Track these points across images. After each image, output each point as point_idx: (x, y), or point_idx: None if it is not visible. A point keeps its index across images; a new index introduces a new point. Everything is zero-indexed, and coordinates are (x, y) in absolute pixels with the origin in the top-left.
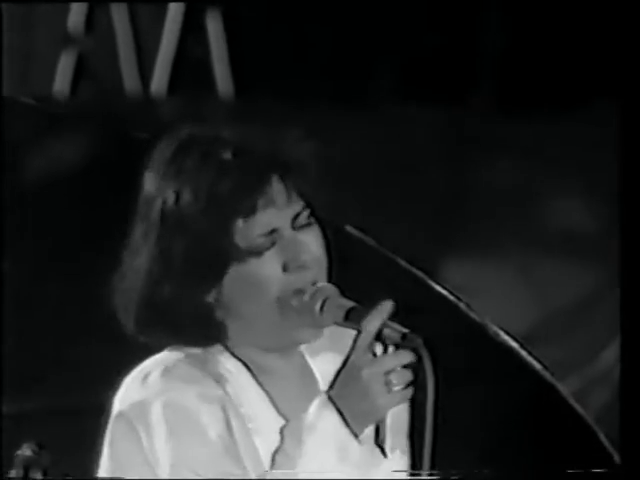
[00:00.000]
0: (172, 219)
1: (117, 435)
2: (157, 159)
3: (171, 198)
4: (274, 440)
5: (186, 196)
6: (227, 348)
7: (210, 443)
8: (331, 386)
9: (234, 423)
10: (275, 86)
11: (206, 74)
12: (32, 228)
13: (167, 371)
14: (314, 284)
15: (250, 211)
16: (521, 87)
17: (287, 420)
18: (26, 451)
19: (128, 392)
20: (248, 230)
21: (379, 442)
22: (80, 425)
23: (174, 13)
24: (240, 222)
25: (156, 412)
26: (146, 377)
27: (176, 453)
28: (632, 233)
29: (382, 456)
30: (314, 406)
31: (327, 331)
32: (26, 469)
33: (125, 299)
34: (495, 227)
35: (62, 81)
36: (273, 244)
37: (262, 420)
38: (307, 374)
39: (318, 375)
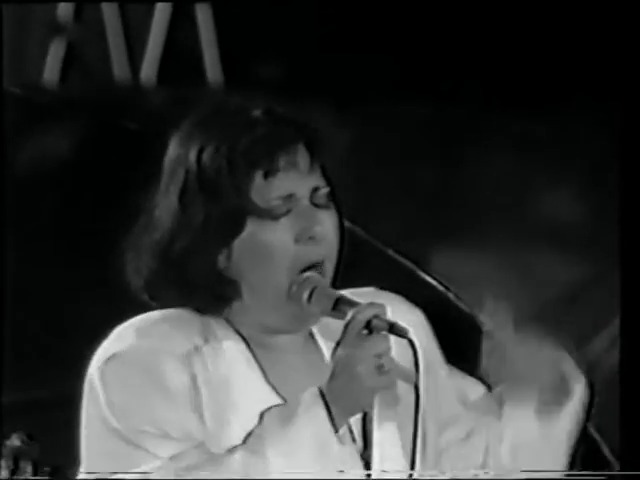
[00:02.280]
0: (193, 175)
1: (87, 395)
2: (184, 127)
3: (194, 154)
4: (252, 404)
5: (209, 150)
6: (228, 321)
7: (169, 396)
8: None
9: (203, 380)
10: (265, 76)
11: (196, 63)
12: (22, 219)
13: (139, 328)
14: (322, 262)
15: (271, 167)
16: (515, 81)
17: (276, 391)
18: (15, 441)
19: (101, 349)
20: (266, 190)
21: (365, 456)
22: (69, 416)
23: (163, 2)
24: (260, 179)
25: (120, 368)
26: (119, 334)
27: (135, 407)
28: (626, 226)
29: (360, 462)
30: (305, 396)
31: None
32: (16, 459)
33: (137, 258)
34: (486, 219)
35: (52, 70)
36: (289, 211)
37: (245, 385)
38: (313, 353)
39: (326, 355)
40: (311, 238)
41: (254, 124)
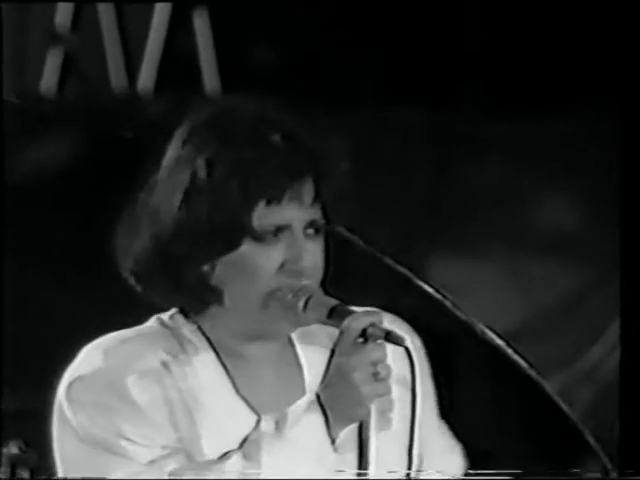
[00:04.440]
0: (202, 182)
1: (55, 415)
2: (197, 123)
3: (204, 166)
4: (223, 418)
5: (224, 165)
6: (199, 328)
7: (138, 410)
8: (321, 383)
9: (173, 395)
10: (262, 84)
11: (193, 71)
12: (19, 226)
13: (106, 349)
14: (301, 290)
15: (277, 199)
16: (514, 86)
17: (247, 403)
18: (12, 449)
19: (71, 368)
20: (266, 215)
21: (362, 465)
22: None
23: (161, 10)
24: (262, 205)
25: (88, 388)
26: (88, 353)
27: (106, 425)
28: (626, 232)
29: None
30: (301, 404)
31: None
32: (13, 467)
33: (131, 241)
34: (482, 226)
35: (49, 79)
36: (281, 234)
37: (215, 398)
38: (288, 362)
39: (305, 364)
40: (296, 272)
41: (272, 153)
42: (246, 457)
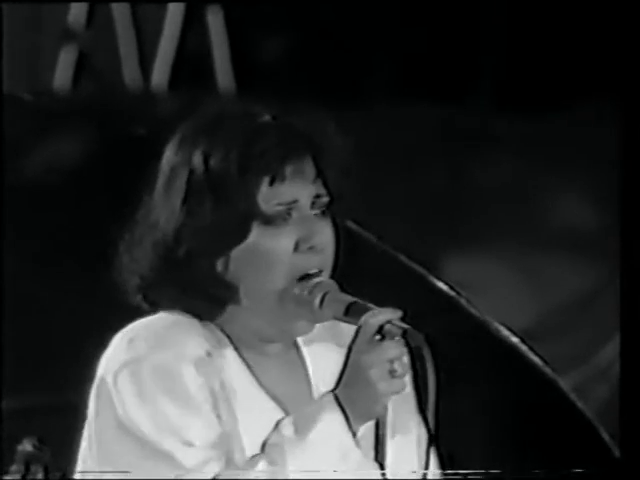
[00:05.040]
0: (200, 178)
1: (99, 400)
2: (186, 130)
3: (199, 160)
4: (257, 414)
5: (218, 154)
6: (217, 325)
7: (190, 403)
8: (338, 381)
9: (215, 386)
10: (276, 82)
11: (207, 69)
12: (32, 224)
13: (151, 334)
14: (320, 272)
15: (279, 175)
16: (520, 84)
17: (272, 397)
18: (27, 446)
19: (112, 354)
20: (271, 195)
21: (379, 459)
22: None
23: (175, 8)
24: (265, 186)
25: (138, 374)
26: (131, 340)
27: (157, 415)
28: (633, 230)
29: (376, 466)
30: (319, 403)
31: (326, 323)
32: (27, 465)
33: (134, 258)
34: (496, 223)
35: (63, 77)
36: (289, 215)
37: (244, 394)
38: (296, 361)
39: (310, 364)
40: (311, 248)
41: (264, 131)
42: (272, 462)
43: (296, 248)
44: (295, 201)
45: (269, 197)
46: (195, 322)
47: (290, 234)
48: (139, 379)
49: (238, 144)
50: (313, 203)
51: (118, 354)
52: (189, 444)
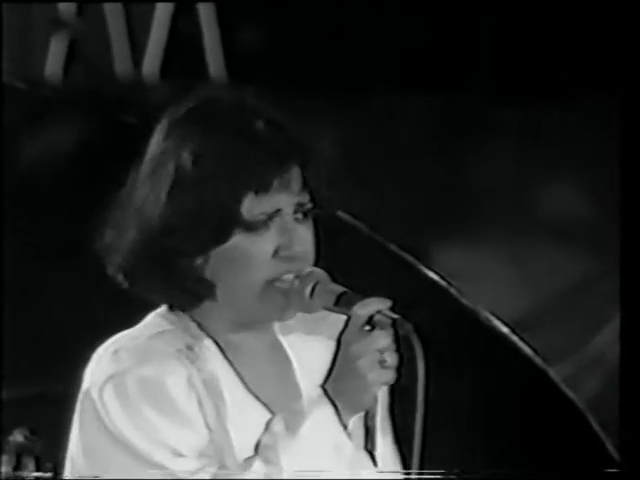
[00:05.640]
0: (187, 176)
1: (84, 414)
2: (176, 116)
3: (189, 158)
4: (243, 416)
5: (207, 160)
6: (197, 322)
7: (181, 416)
8: (328, 374)
9: (203, 397)
10: (268, 70)
11: (198, 58)
12: (23, 213)
13: (135, 346)
14: (297, 277)
15: (265, 188)
16: (518, 73)
17: (256, 397)
18: (18, 437)
19: (97, 367)
20: (255, 205)
21: (368, 448)
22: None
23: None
24: (251, 195)
25: (124, 387)
26: (116, 352)
27: (146, 429)
28: (629, 220)
29: (369, 458)
30: (310, 400)
31: (314, 313)
32: (18, 455)
33: (119, 237)
34: (488, 213)
35: (54, 65)
36: (271, 221)
37: (231, 396)
38: (278, 350)
39: (290, 353)
40: (290, 258)
41: (258, 142)
42: (267, 461)
43: (275, 254)
44: (278, 210)
45: (253, 207)
46: (176, 326)
47: (271, 240)
48: (125, 392)
49: (229, 154)
50: (295, 211)
51: (102, 367)
52: (179, 454)
